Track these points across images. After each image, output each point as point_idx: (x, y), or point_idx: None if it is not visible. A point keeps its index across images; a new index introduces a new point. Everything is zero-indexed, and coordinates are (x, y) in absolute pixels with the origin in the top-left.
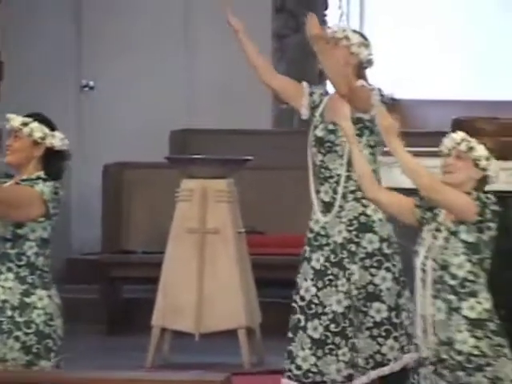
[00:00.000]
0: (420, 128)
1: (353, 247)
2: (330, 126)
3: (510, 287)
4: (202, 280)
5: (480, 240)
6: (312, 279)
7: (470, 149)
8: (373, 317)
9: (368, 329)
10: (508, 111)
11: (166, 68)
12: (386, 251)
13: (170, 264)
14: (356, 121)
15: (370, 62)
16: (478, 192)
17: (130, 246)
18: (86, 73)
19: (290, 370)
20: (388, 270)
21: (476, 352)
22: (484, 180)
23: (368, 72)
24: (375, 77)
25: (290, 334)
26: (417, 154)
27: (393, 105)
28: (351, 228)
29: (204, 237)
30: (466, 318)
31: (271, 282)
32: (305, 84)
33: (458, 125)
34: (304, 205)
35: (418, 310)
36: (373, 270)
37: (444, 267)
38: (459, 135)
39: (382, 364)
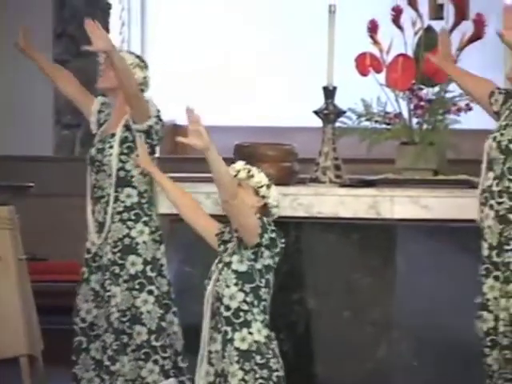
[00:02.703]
0: (203, 154)
1: (116, 269)
2: (99, 145)
3: (287, 309)
4: None
5: (253, 268)
6: (93, 300)
7: (250, 176)
8: (135, 339)
9: (132, 351)
10: (290, 137)
11: None
12: (150, 274)
13: None
14: (125, 139)
15: (146, 84)
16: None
17: None
18: None
19: None
20: (150, 292)
21: None
22: (266, 208)
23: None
24: (160, 101)
25: (73, 357)
26: (197, 180)
27: (175, 130)
28: (115, 250)
29: None
30: (237, 349)
31: (54, 308)
32: (96, 100)
33: (240, 150)
34: (86, 231)
35: (202, 341)
36: (135, 293)
37: (218, 299)
38: (239, 164)
39: None
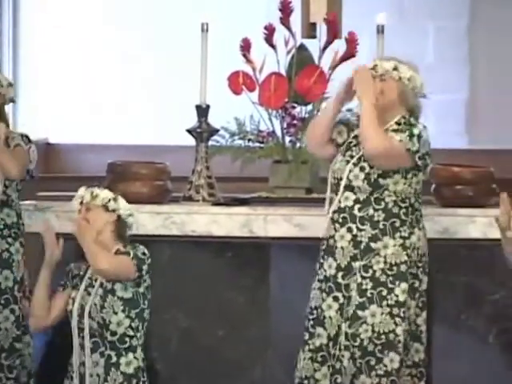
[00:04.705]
0: (76, 172)
1: None
2: None
3: (160, 328)
4: None
5: (137, 294)
6: None
7: (94, 197)
8: None
9: None
10: (163, 156)
11: None
12: (16, 293)
13: None
14: None
15: (12, 100)
16: (120, 236)
17: None
18: None
19: None
20: (12, 311)
21: None
22: (121, 221)
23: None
24: (33, 120)
25: None
26: (70, 199)
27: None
28: None
29: None
30: (123, 373)
31: None
32: None
33: (112, 169)
34: None
35: (75, 363)
36: None
37: (103, 325)
38: (80, 190)
39: None
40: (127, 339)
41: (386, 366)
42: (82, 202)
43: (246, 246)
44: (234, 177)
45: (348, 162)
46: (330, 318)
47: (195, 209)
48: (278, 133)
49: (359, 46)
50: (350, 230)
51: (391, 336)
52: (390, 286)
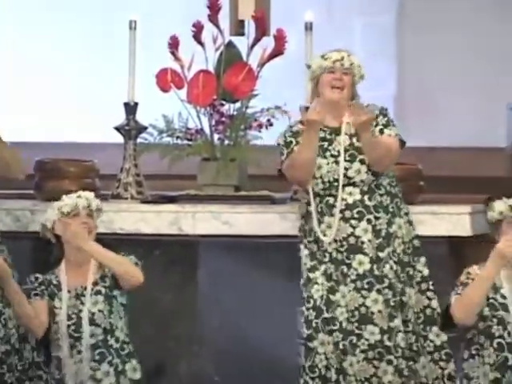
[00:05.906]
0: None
1: None
2: None
3: None
4: None
5: (126, 300)
6: None
7: (99, 206)
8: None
9: None
10: (91, 153)
11: None
12: None
13: None
14: None
15: None
16: None
17: None
18: None
19: None
20: None
21: None
22: None
23: None
24: None
25: None
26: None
27: None
28: None
29: None
30: (131, 380)
31: None
32: None
33: (41, 167)
34: None
35: (72, 374)
36: None
37: (109, 330)
38: (86, 193)
39: None
40: (125, 346)
41: (432, 341)
42: (88, 206)
43: (174, 244)
44: (163, 174)
45: (337, 162)
46: (380, 311)
47: (123, 207)
48: (207, 130)
49: (287, 43)
50: (369, 221)
51: (428, 311)
52: (413, 263)
